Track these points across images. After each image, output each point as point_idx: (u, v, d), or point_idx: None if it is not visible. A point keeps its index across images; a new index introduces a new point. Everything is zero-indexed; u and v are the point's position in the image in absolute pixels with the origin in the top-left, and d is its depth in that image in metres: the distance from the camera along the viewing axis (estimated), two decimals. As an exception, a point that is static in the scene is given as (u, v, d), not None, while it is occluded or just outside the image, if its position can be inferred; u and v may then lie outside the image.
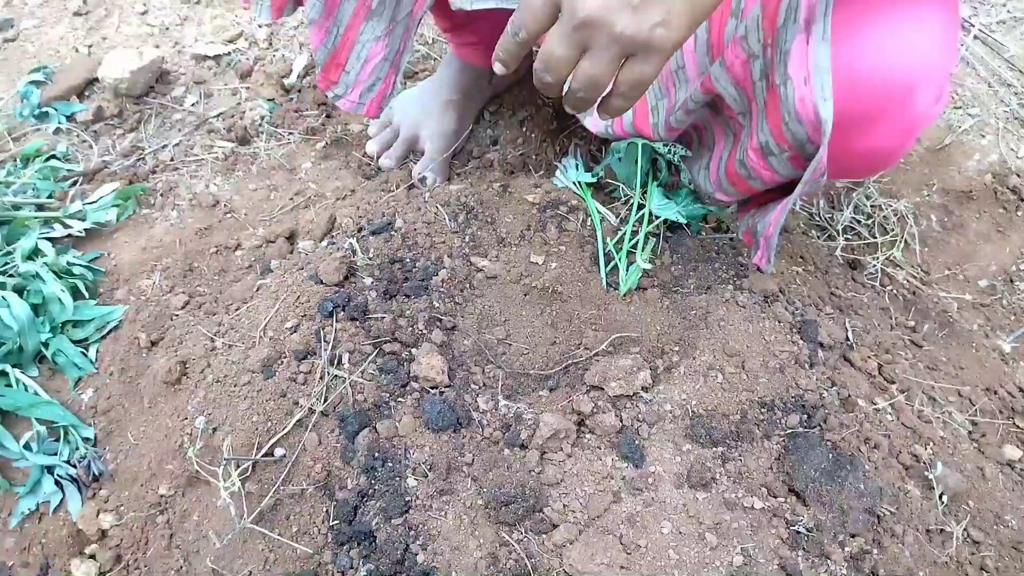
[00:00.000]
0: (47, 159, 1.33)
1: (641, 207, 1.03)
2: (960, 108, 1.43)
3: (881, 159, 0.74)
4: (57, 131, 1.41)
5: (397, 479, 0.83)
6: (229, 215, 1.27)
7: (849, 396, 0.91)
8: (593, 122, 1.09)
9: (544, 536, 0.79)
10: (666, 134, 0.96)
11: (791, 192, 0.82)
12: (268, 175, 1.34)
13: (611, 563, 0.76)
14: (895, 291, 1.21)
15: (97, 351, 1.11)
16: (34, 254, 1.17)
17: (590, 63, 0.65)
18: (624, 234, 1.00)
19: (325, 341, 0.94)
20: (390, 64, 1.05)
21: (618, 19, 0.61)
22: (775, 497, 0.81)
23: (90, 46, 1.57)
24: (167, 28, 1.61)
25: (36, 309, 1.12)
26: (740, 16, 0.80)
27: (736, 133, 0.81)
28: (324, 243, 1.15)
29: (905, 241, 1.28)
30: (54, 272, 1.15)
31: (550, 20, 0.66)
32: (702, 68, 0.88)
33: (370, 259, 1.04)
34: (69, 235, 1.22)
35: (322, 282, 1.01)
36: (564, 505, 0.80)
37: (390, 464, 0.84)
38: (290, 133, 1.41)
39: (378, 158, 1.35)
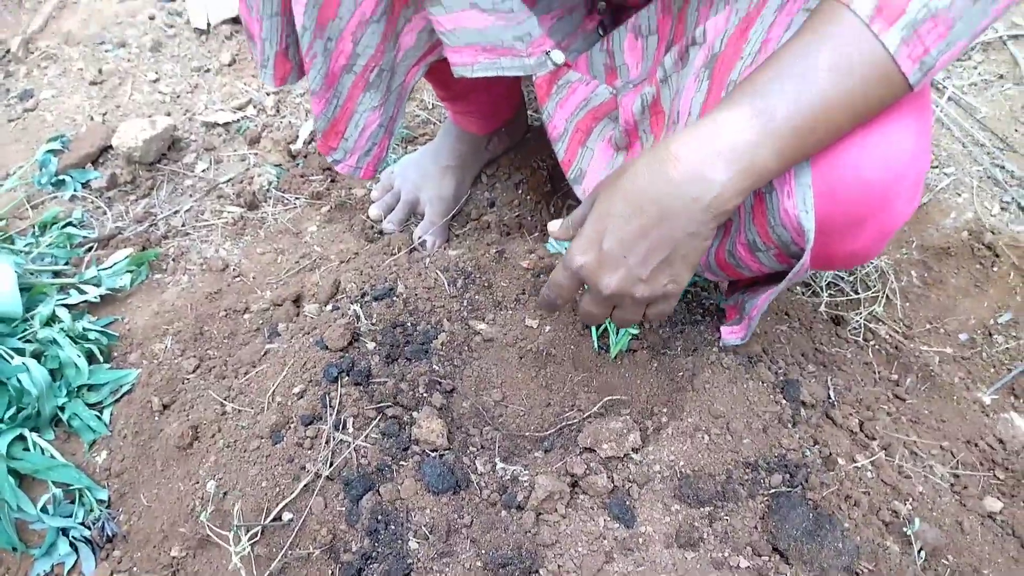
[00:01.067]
0: (63, 226, 1.39)
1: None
2: (936, 168, 1.50)
3: (860, 258, 0.81)
4: (73, 198, 1.47)
5: (399, 541, 0.87)
6: (238, 278, 1.33)
7: (831, 454, 0.95)
8: (583, 189, 1.15)
9: (540, 597, 0.83)
10: None
11: (778, 276, 0.88)
12: (275, 239, 1.40)
13: (604, 622, 0.80)
14: (878, 346, 1.26)
15: (111, 414, 1.16)
16: (51, 320, 1.23)
17: (622, 314, 0.84)
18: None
19: (331, 407, 0.99)
20: (384, 130, 1.12)
21: (636, 289, 0.78)
22: (759, 556, 0.85)
23: (104, 114, 1.65)
24: (178, 96, 1.69)
25: (53, 374, 1.17)
26: None
27: (726, 227, 0.87)
28: (329, 307, 1.20)
29: (887, 297, 1.33)
30: (70, 337, 1.21)
31: (577, 287, 0.84)
32: None
33: (373, 324, 1.09)
34: (85, 301, 1.27)
35: (327, 348, 1.06)
36: (559, 566, 0.84)
37: (393, 527, 0.88)
38: (296, 198, 1.47)
39: (380, 222, 1.42)
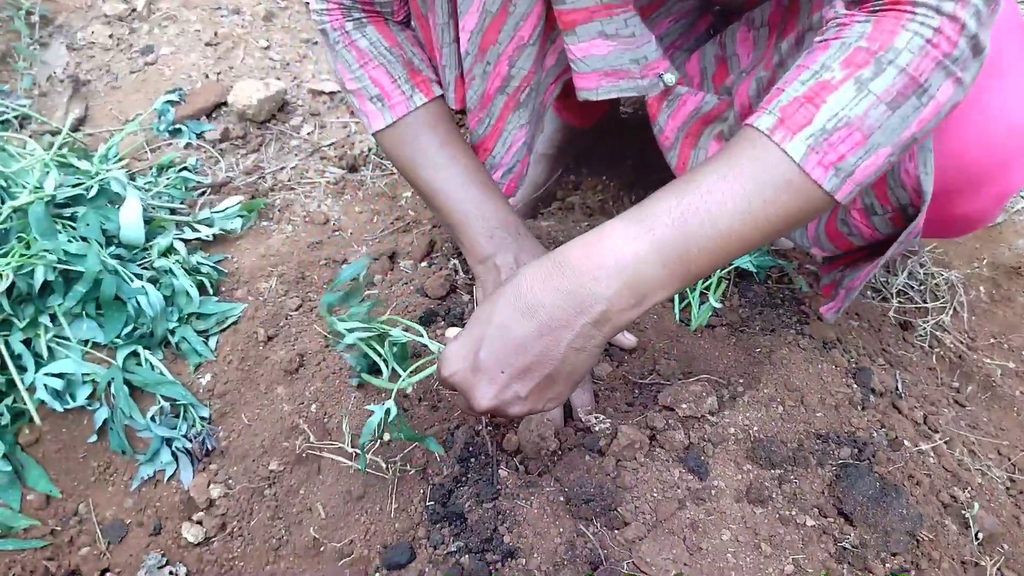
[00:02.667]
0: (179, 170, 1.50)
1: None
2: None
3: (973, 223, 0.84)
4: (187, 146, 1.58)
5: (489, 469, 0.94)
6: (337, 232, 1.42)
7: (896, 438, 1.00)
8: None
9: (617, 531, 0.89)
10: None
11: (879, 251, 0.93)
12: (372, 200, 1.49)
13: (675, 560, 0.86)
14: (942, 353, 1.30)
15: (217, 341, 1.26)
16: (168, 252, 1.33)
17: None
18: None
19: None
20: (527, 148, 1.16)
21: (512, 408, 0.76)
22: (825, 517, 0.90)
23: (219, 73, 1.76)
24: (287, 64, 1.80)
25: (166, 300, 1.27)
26: None
27: None
28: (424, 263, 1.28)
29: (954, 308, 1.37)
30: (184, 269, 1.31)
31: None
32: None
33: (469, 279, 1.17)
34: (198, 238, 1.38)
35: (427, 295, 1.15)
36: (636, 507, 0.91)
37: (483, 456, 0.95)
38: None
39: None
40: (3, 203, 1.22)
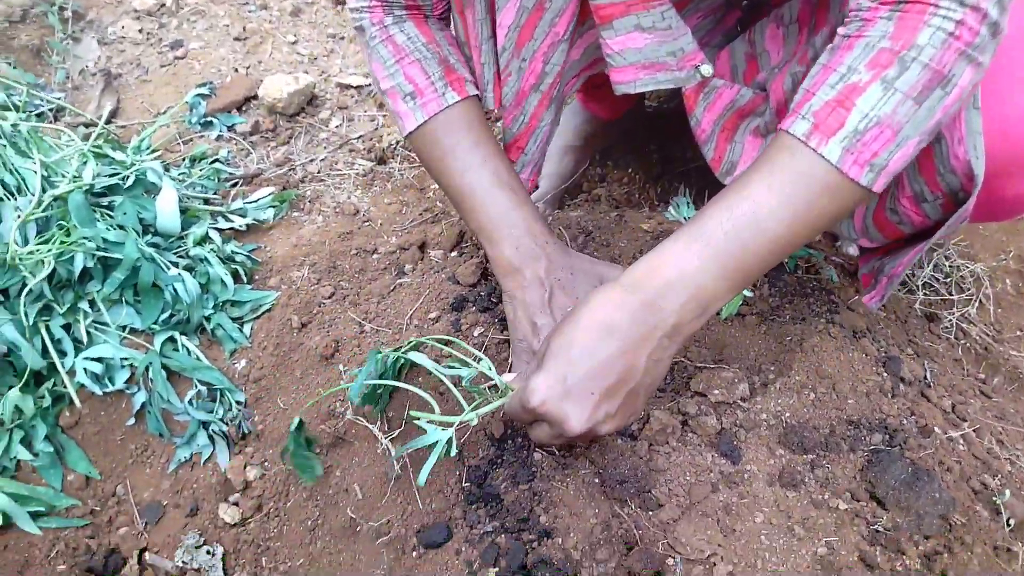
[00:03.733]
0: (212, 162, 1.53)
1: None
2: (1039, 185, 1.54)
3: (1022, 203, 0.86)
4: (219, 138, 1.61)
5: (525, 452, 0.96)
6: (367, 223, 1.44)
7: (926, 425, 1.01)
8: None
9: (651, 513, 0.91)
10: None
11: (921, 237, 0.94)
12: (401, 192, 1.51)
13: (709, 541, 0.88)
14: (968, 345, 1.31)
15: (251, 328, 1.28)
16: (203, 240, 1.35)
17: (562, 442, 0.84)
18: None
19: (462, 332, 1.09)
20: (548, 140, 1.18)
21: (602, 427, 0.78)
22: (857, 501, 0.91)
23: (247, 68, 1.79)
24: (315, 58, 1.82)
25: (202, 288, 1.29)
26: None
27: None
28: (454, 253, 1.30)
29: (980, 301, 1.38)
30: (219, 257, 1.33)
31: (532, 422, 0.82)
32: None
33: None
34: (232, 228, 1.40)
35: (458, 282, 1.16)
36: (669, 490, 0.92)
37: (520, 439, 0.97)
38: (421, 157, 1.58)
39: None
40: (44, 191, 1.24)
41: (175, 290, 1.25)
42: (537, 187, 1.47)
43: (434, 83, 1.04)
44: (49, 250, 1.17)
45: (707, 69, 1.01)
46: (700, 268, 0.75)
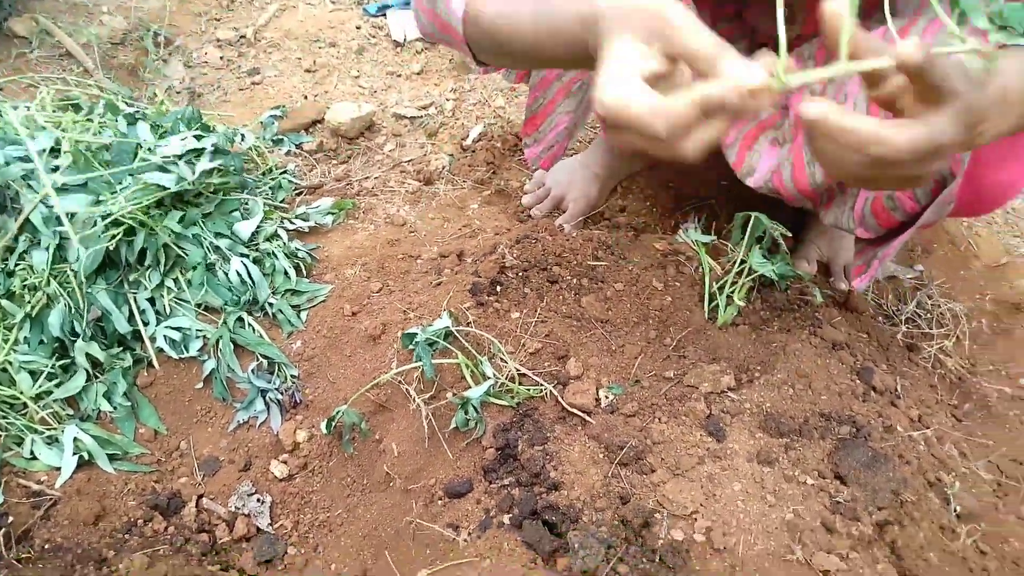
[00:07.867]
0: (281, 173, 1.74)
1: (743, 263, 1.33)
2: (1019, 237, 1.70)
3: (1004, 191, 0.96)
4: (288, 154, 1.82)
5: (540, 419, 1.12)
6: (412, 234, 1.63)
7: (892, 425, 1.16)
8: (754, 180, 1.28)
9: (645, 475, 1.06)
10: (823, 181, 1.14)
11: (909, 227, 1.05)
12: (444, 210, 1.71)
13: (693, 501, 1.03)
14: (944, 374, 1.45)
15: (307, 315, 1.46)
16: (271, 238, 1.55)
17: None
18: (726, 280, 1.30)
19: (484, 306, 1.27)
20: (567, 134, 1.38)
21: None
22: (823, 478, 1.06)
23: (316, 96, 2.01)
24: (375, 91, 2.05)
25: (267, 277, 1.48)
26: None
27: None
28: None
29: (957, 337, 1.53)
30: (284, 253, 1.53)
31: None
32: None
33: (516, 259, 1.37)
34: (296, 229, 1.60)
35: (480, 277, 1.35)
36: (661, 459, 1.08)
37: (540, 411, 1.13)
38: (463, 181, 1.78)
39: (530, 209, 1.71)
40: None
41: (250, 276, 1.45)
42: (529, 176, 1.62)
43: None
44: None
45: None
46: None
